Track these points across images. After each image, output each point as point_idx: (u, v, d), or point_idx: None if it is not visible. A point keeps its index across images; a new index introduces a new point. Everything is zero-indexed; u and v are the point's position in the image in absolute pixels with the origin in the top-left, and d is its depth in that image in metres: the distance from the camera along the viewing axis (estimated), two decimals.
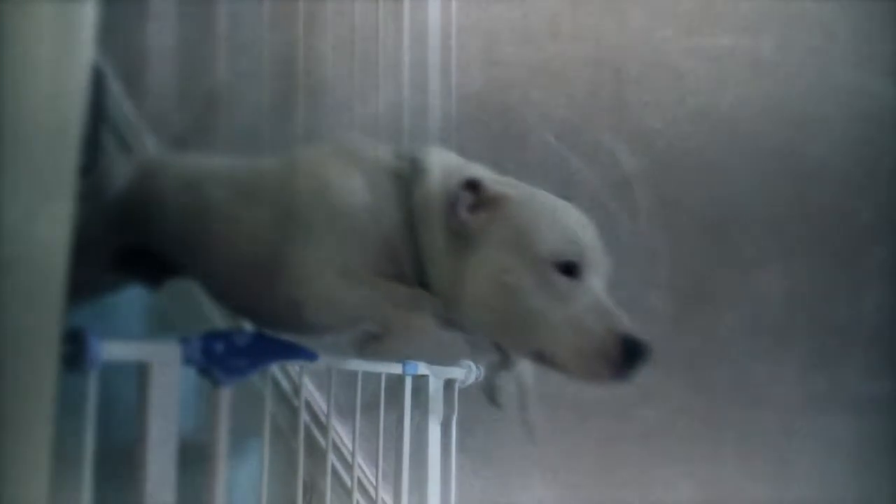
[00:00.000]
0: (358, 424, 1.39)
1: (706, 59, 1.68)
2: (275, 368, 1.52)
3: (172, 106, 1.77)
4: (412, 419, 1.40)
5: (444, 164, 1.07)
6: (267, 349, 1.20)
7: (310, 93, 1.79)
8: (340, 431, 1.66)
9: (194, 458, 1.10)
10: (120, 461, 1.00)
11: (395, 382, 1.37)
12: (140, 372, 1.00)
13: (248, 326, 1.44)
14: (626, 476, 1.61)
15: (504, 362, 1.15)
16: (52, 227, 0.65)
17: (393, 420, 1.39)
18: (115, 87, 1.39)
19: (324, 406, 1.52)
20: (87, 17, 0.68)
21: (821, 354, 1.59)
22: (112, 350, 0.94)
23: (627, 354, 0.91)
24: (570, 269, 0.96)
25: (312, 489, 1.57)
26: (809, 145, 1.64)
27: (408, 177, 1.06)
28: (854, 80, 1.62)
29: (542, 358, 0.97)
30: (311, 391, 1.64)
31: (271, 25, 1.77)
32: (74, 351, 0.90)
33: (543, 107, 1.74)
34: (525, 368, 1.16)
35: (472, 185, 1.01)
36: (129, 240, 1.27)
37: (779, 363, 1.61)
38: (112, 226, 1.26)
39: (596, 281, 0.98)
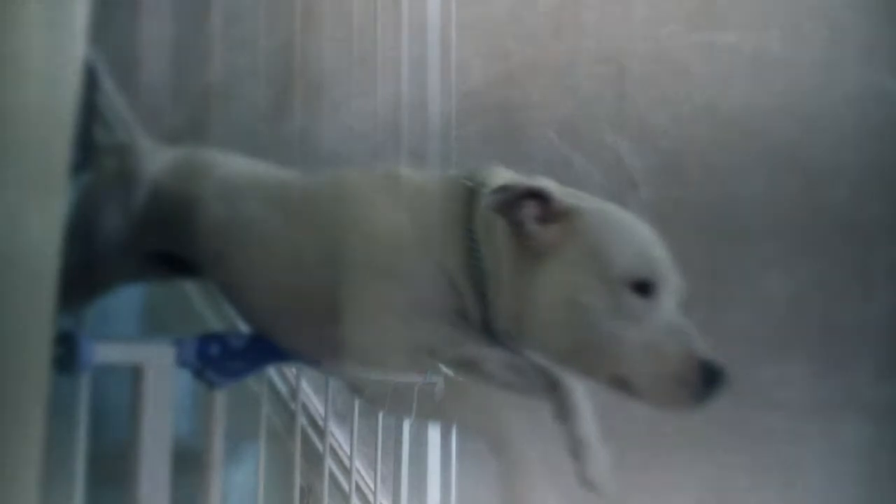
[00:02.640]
0: (356, 428, 1.39)
1: (711, 55, 1.68)
2: (271, 371, 1.52)
3: (167, 103, 1.77)
4: (412, 423, 1.40)
5: (506, 181, 1.02)
6: (263, 351, 1.20)
7: (307, 89, 1.79)
8: (338, 435, 1.66)
9: (189, 463, 1.10)
10: (113, 465, 1.00)
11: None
12: (133, 374, 1.00)
13: (243, 328, 1.44)
14: (630, 479, 1.61)
15: (560, 410, 1.08)
16: (43, 225, 0.65)
17: (392, 423, 1.39)
18: (107, 83, 1.39)
19: (321, 409, 1.52)
20: (80, 11, 0.68)
21: (830, 358, 1.59)
22: (104, 352, 0.94)
23: (705, 380, 0.89)
24: (644, 289, 0.93)
25: (309, 494, 1.57)
26: (818, 143, 1.64)
27: (466, 198, 1.03)
28: (864, 76, 1.62)
29: (617, 384, 0.93)
30: (308, 394, 1.64)
31: (268, 20, 1.77)
32: (66, 353, 0.90)
33: (545, 104, 1.74)
34: (583, 415, 1.09)
35: (540, 196, 0.96)
36: (159, 243, 1.26)
37: (787, 366, 1.61)
38: (142, 227, 1.24)
39: (669, 301, 0.95)
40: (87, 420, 0.95)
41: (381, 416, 1.39)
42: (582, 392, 1.09)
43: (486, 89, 1.77)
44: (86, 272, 1.25)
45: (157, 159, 1.29)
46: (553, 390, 1.09)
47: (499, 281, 0.99)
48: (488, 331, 1.02)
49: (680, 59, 1.70)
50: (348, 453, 1.49)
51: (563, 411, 1.07)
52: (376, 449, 1.41)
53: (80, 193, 1.31)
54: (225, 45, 1.77)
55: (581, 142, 1.71)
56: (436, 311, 1.01)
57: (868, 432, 1.56)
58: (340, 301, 1.04)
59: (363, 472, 1.64)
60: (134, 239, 1.24)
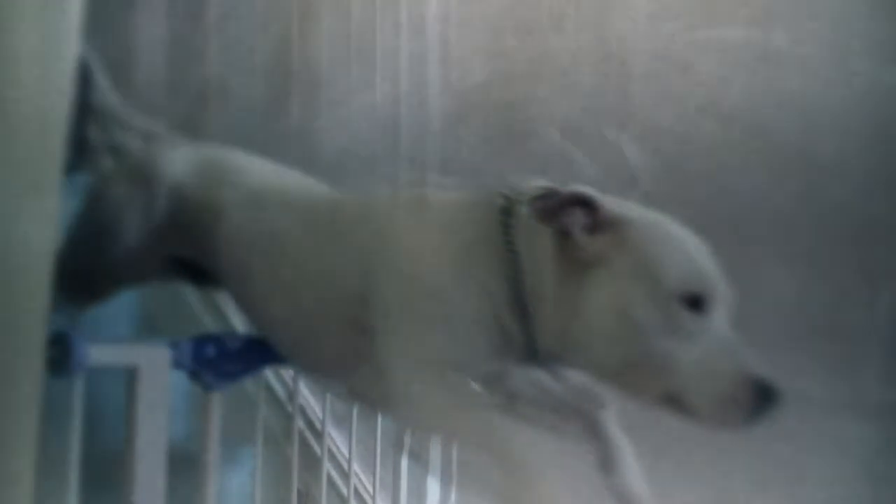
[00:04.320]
0: (355, 431, 1.39)
1: (715, 51, 1.68)
2: (268, 373, 1.52)
3: (163, 100, 1.77)
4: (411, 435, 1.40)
5: (547, 187, 0.99)
6: (260, 353, 1.21)
7: (304, 86, 1.79)
8: (336, 438, 1.66)
9: (185, 467, 1.11)
10: (108, 468, 1.00)
11: None
12: (128, 376, 1.00)
13: (240, 329, 1.44)
14: None
15: (594, 441, 1.07)
16: (36, 225, 0.65)
17: (391, 426, 1.40)
18: (102, 80, 1.39)
19: (319, 412, 1.52)
20: (73, 7, 0.68)
21: (834, 359, 1.59)
22: (99, 354, 0.94)
23: (759, 400, 0.89)
24: (696, 303, 0.91)
25: (307, 499, 1.57)
26: (823, 141, 1.64)
27: (503, 212, 1.00)
28: (870, 71, 1.62)
29: (668, 402, 0.92)
30: (305, 396, 1.64)
31: (264, 16, 1.77)
32: (59, 354, 0.91)
33: (546, 101, 1.74)
34: (619, 447, 1.07)
35: (587, 203, 0.94)
36: (178, 249, 1.25)
37: (791, 368, 1.61)
38: (162, 230, 1.23)
39: (721, 316, 0.93)
40: (82, 423, 0.95)
41: (380, 419, 1.39)
42: (617, 423, 1.08)
43: (487, 87, 1.77)
44: (99, 271, 1.24)
45: (178, 157, 1.27)
46: (586, 420, 1.07)
47: (541, 295, 0.96)
48: (530, 350, 0.99)
49: (683, 55, 1.70)
50: (347, 457, 1.49)
51: (598, 444, 1.06)
52: (375, 453, 1.41)
53: (93, 188, 1.29)
54: (221, 42, 1.77)
55: (583, 139, 1.71)
56: (469, 327, 0.98)
57: (873, 433, 1.56)
58: (366, 317, 1.03)
59: (362, 477, 1.64)
60: (152, 242, 1.23)
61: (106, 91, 1.36)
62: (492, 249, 0.98)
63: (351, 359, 1.07)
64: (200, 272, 1.27)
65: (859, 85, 1.62)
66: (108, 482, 1.00)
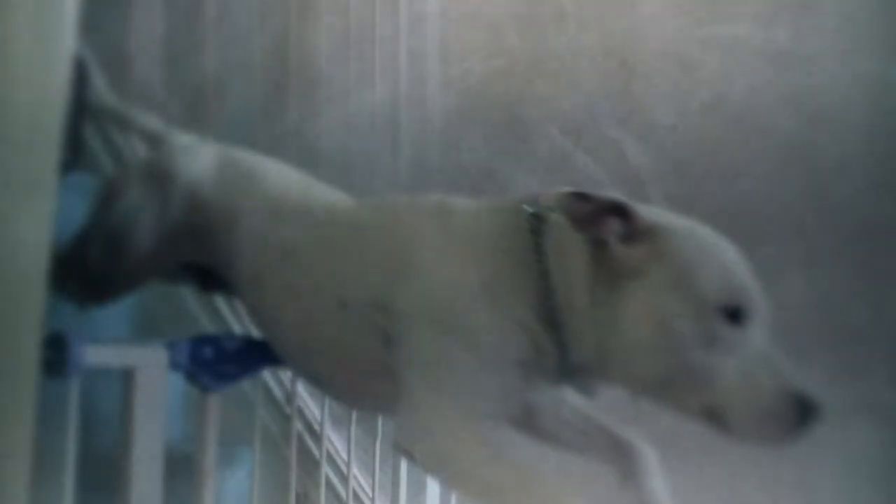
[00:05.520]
0: (353, 433, 1.39)
1: (718, 48, 1.68)
2: (266, 374, 1.53)
3: (160, 98, 1.77)
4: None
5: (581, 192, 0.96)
6: (258, 354, 1.21)
7: (302, 84, 1.79)
8: (335, 440, 1.66)
9: (182, 469, 1.11)
10: (104, 471, 1.00)
11: None
12: (125, 378, 1.01)
13: (238, 330, 1.44)
14: None
15: (627, 473, 1.04)
16: (31, 226, 0.65)
17: (390, 428, 1.39)
18: (98, 78, 1.39)
19: (318, 414, 1.52)
20: (68, 4, 0.68)
21: (842, 362, 1.59)
22: (95, 355, 0.94)
23: (800, 414, 0.88)
24: (735, 316, 0.89)
25: (305, 501, 1.57)
26: (829, 140, 1.64)
27: (530, 225, 0.97)
28: (875, 69, 1.62)
29: (708, 416, 0.90)
30: (304, 398, 1.64)
31: (262, 13, 1.77)
32: (56, 356, 0.91)
33: (548, 100, 1.74)
34: (654, 479, 1.05)
35: (623, 212, 0.92)
36: (193, 254, 1.24)
37: (799, 370, 1.61)
38: (177, 235, 1.21)
39: (759, 329, 0.92)
40: (77, 424, 0.95)
41: (379, 421, 1.39)
42: (653, 455, 1.06)
43: (487, 84, 1.77)
44: (112, 272, 1.22)
45: (194, 158, 1.24)
46: (619, 451, 1.06)
47: (575, 308, 0.94)
48: (563, 366, 0.97)
49: (686, 52, 1.70)
50: (345, 459, 1.49)
51: (631, 475, 1.04)
52: (374, 455, 1.41)
53: (105, 188, 1.28)
54: (218, 39, 1.77)
55: (584, 138, 1.71)
56: (500, 367, 0.96)
57: (882, 436, 1.56)
58: (389, 351, 1.00)
59: (361, 479, 1.64)
60: (166, 245, 1.21)
61: (102, 89, 1.36)
62: (520, 262, 0.96)
63: (372, 378, 1.05)
64: (211, 278, 1.26)
65: (864, 82, 1.61)
66: (104, 484, 1.00)
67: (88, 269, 1.21)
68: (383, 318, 1.00)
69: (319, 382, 1.18)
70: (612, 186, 1.66)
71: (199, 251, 1.22)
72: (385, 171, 1.77)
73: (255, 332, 1.33)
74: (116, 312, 1.42)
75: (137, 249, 1.20)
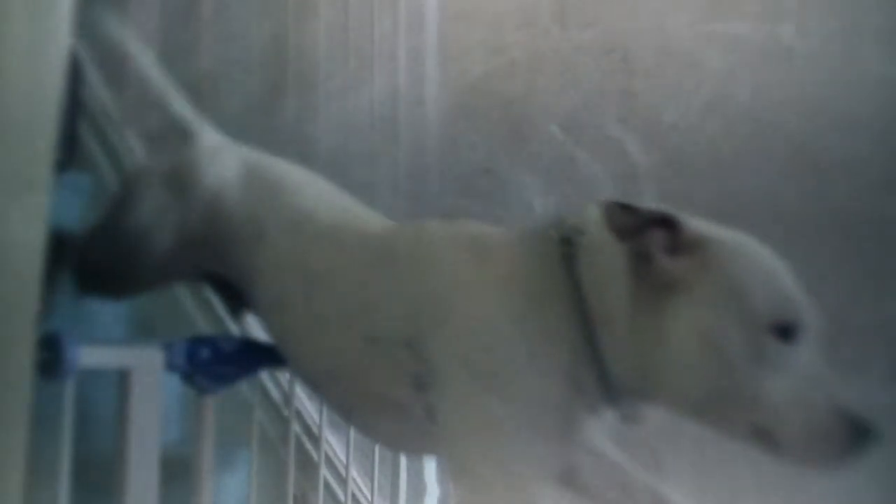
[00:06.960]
0: (352, 435, 1.39)
1: (721, 45, 1.68)
2: (264, 376, 1.53)
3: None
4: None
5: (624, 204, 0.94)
6: (255, 355, 1.21)
7: (300, 82, 1.79)
8: (333, 443, 1.67)
9: (178, 471, 1.11)
10: (100, 473, 1.00)
11: None
12: (120, 379, 1.01)
13: (235, 331, 1.44)
14: None
15: None
16: (25, 225, 0.66)
17: None
18: (94, 76, 1.39)
19: (316, 416, 1.52)
20: (64, 3, 0.68)
21: (842, 361, 1.59)
22: (90, 356, 0.94)
23: (854, 437, 0.85)
24: (786, 332, 0.87)
25: None
26: (832, 138, 1.64)
27: (561, 250, 0.95)
28: (879, 67, 1.62)
29: (758, 437, 0.88)
30: (302, 400, 1.64)
31: (260, 10, 1.77)
32: (50, 357, 0.91)
33: (548, 97, 1.74)
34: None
35: (669, 223, 0.89)
36: (213, 264, 1.21)
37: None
38: (196, 242, 1.18)
39: (810, 345, 0.89)
40: (73, 426, 0.95)
41: None
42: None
43: (487, 82, 1.77)
44: (127, 273, 1.20)
45: (220, 163, 1.19)
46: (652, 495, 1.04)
47: (615, 327, 0.92)
48: (605, 389, 0.94)
49: (688, 50, 1.70)
50: (344, 462, 1.49)
51: None
52: (373, 458, 1.41)
53: (127, 180, 1.26)
54: (216, 36, 1.77)
55: (585, 136, 1.71)
56: (543, 417, 0.93)
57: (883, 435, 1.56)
58: (420, 396, 0.98)
59: (359, 482, 1.64)
60: (186, 252, 1.18)
61: (98, 88, 1.35)
62: (556, 294, 0.94)
63: (398, 417, 1.03)
64: (240, 295, 1.23)
65: (867, 80, 1.62)
66: (100, 487, 1.00)
67: (104, 265, 1.19)
68: (415, 360, 0.98)
69: (342, 412, 1.16)
70: (613, 185, 1.66)
71: (220, 263, 1.19)
72: (384, 170, 1.77)
73: (253, 334, 1.33)
74: (112, 312, 1.42)
75: (155, 253, 1.17)
